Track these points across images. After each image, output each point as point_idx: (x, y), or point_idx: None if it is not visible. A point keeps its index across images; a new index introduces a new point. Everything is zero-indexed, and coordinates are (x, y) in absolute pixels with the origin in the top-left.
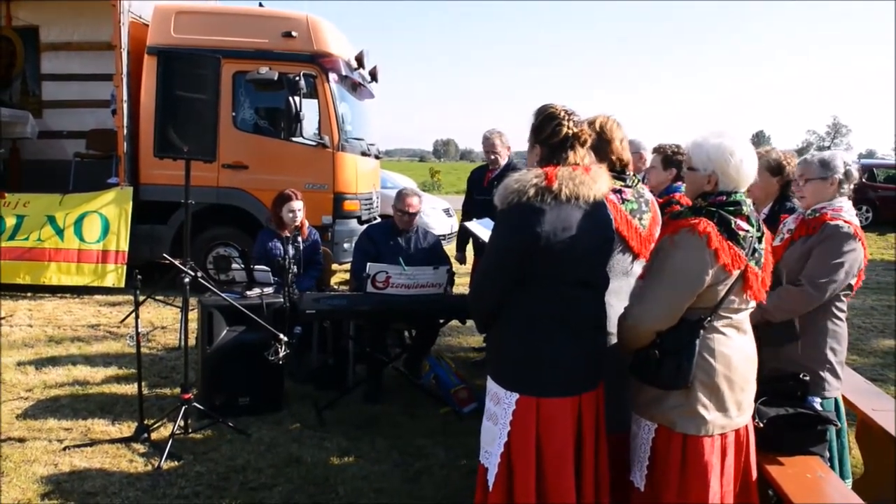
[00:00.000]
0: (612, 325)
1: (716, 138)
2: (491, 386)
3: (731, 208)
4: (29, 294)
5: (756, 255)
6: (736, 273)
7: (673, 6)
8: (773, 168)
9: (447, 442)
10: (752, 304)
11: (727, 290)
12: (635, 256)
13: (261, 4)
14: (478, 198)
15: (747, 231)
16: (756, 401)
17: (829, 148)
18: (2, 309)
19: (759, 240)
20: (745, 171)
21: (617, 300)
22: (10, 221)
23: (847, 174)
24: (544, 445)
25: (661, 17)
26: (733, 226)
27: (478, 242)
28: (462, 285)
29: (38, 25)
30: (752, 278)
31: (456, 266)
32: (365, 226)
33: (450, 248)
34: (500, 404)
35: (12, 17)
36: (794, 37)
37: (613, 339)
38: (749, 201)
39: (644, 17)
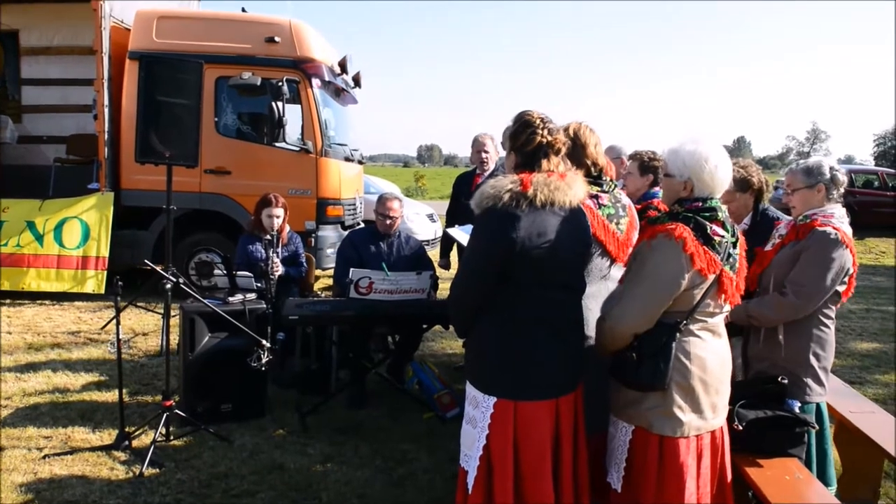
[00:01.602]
0: (591, 329)
1: (691, 145)
2: (469, 389)
3: (707, 214)
4: (7, 300)
5: (731, 259)
6: (711, 277)
7: (656, 6)
8: (741, 186)
9: (431, 447)
10: (727, 307)
11: (703, 294)
12: (613, 261)
13: (244, 9)
14: (464, 203)
15: (722, 236)
16: (735, 404)
17: (808, 154)
18: None
19: (734, 245)
20: (720, 177)
21: (595, 304)
22: None
23: (833, 179)
24: (522, 448)
25: (644, 19)
26: (709, 231)
27: (462, 248)
28: (446, 290)
29: (18, 29)
30: (727, 283)
31: (440, 271)
32: (348, 231)
33: (433, 254)
34: (479, 407)
35: None
36: (774, 40)
37: (592, 342)
38: (724, 207)
39: (630, 20)
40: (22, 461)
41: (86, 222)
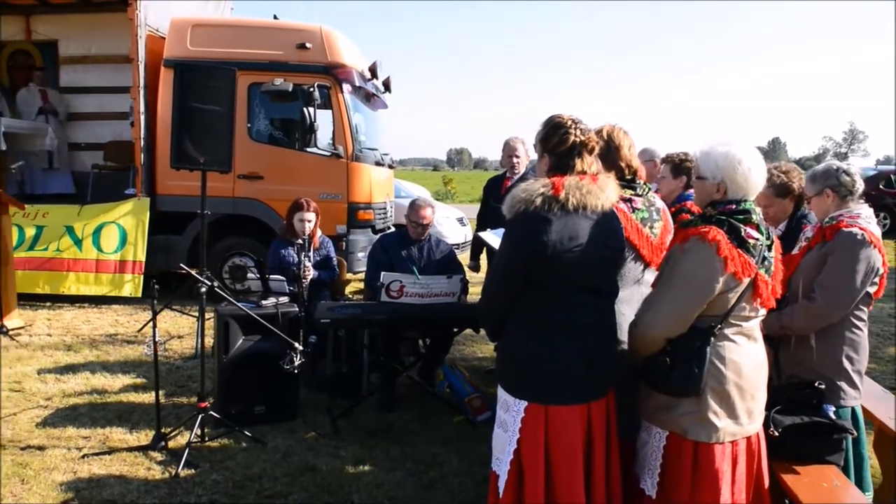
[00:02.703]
0: (623, 333)
1: (723, 147)
2: (501, 393)
3: (741, 216)
4: (48, 304)
5: (766, 263)
6: (746, 281)
7: (692, 6)
8: (780, 191)
9: (461, 450)
10: (762, 311)
11: (737, 298)
12: (646, 265)
13: (275, 17)
14: (494, 206)
15: (757, 239)
16: (771, 409)
17: (846, 155)
18: (21, 318)
19: (769, 248)
20: (754, 179)
21: (628, 308)
22: (30, 232)
23: (840, 182)
24: (553, 452)
25: (682, 18)
26: (743, 234)
27: (492, 252)
28: (476, 294)
29: (57, 39)
30: (762, 286)
31: (470, 275)
32: (379, 235)
33: (463, 257)
34: (510, 412)
35: (32, 32)
36: (810, 39)
37: (625, 347)
38: (758, 209)
39: (666, 18)
40: (62, 460)
41: (123, 227)
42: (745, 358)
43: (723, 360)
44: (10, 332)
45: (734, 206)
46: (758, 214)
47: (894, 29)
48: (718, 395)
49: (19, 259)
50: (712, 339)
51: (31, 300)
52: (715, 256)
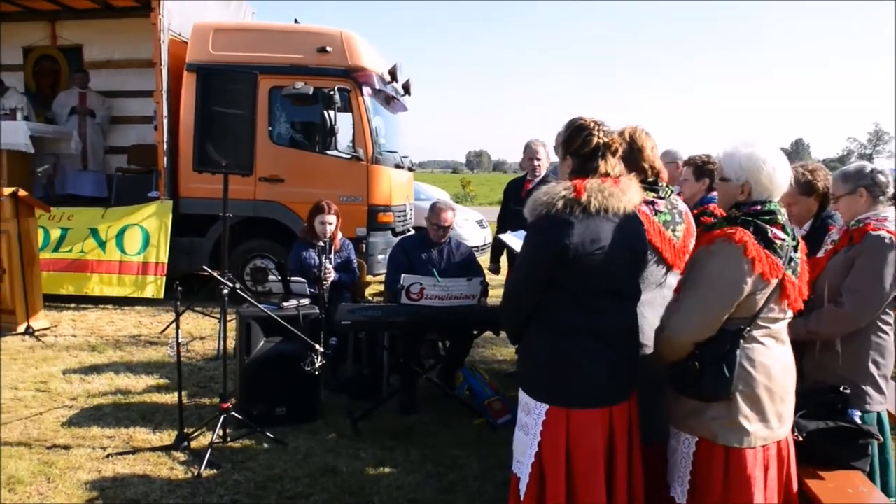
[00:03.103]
0: (646, 337)
1: (747, 148)
2: (522, 396)
3: (767, 217)
4: (73, 305)
5: (792, 263)
6: (774, 282)
7: (714, 6)
8: (804, 189)
9: (481, 453)
10: (790, 314)
11: (765, 300)
12: (669, 268)
13: (296, 20)
14: (514, 208)
15: (783, 239)
16: (795, 414)
17: (871, 156)
18: (47, 319)
19: (795, 248)
20: (778, 179)
21: (650, 311)
22: (55, 234)
23: (875, 182)
24: (575, 456)
25: (701, 19)
26: (769, 234)
27: (512, 254)
28: (496, 296)
29: (82, 44)
30: (790, 287)
31: (489, 277)
32: (399, 237)
33: (483, 259)
34: (531, 414)
35: (57, 37)
36: (833, 40)
37: (647, 351)
38: (784, 210)
39: (686, 19)
40: (87, 460)
41: (146, 229)
42: (774, 360)
43: (752, 362)
44: (37, 333)
45: (759, 207)
46: (783, 215)
47: None
48: (749, 398)
49: (45, 260)
50: (741, 341)
51: (56, 301)
52: (742, 257)
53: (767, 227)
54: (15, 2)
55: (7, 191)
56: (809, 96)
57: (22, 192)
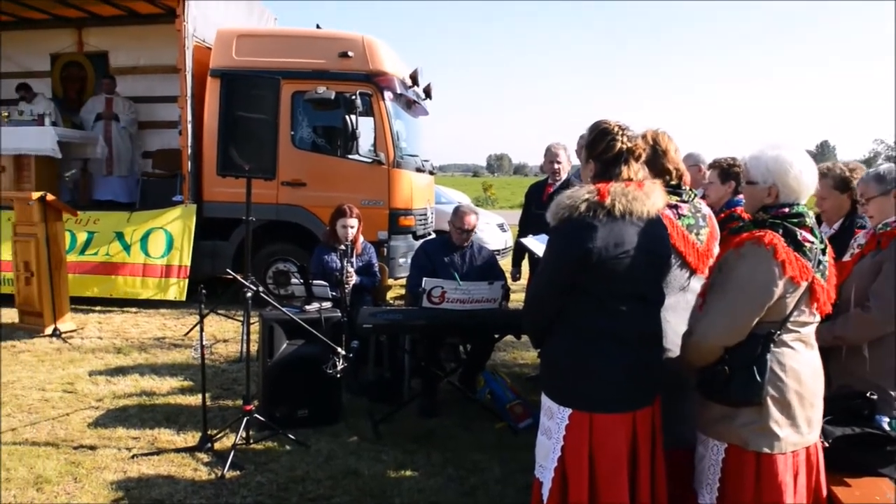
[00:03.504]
0: (669, 341)
1: (773, 150)
2: (545, 400)
3: (795, 220)
4: (98, 307)
5: (821, 267)
6: (803, 285)
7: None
8: (839, 185)
9: (502, 457)
10: (818, 317)
11: (795, 303)
12: (692, 272)
13: (318, 26)
14: (536, 212)
15: (812, 243)
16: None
17: None
18: (73, 322)
19: (823, 252)
20: (806, 181)
21: (673, 316)
22: (81, 237)
23: None
24: (598, 460)
25: (729, 20)
26: (799, 237)
27: (533, 258)
28: (517, 300)
29: (108, 51)
30: (819, 290)
31: (511, 281)
32: (420, 241)
33: (505, 263)
34: (554, 419)
35: (84, 44)
36: (858, 40)
37: (670, 355)
38: (811, 213)
39: (712, 19)
40: (112, 460)
41: (170, 233)
42: (803, 365)
43: (783, 367)
44: (63, 335)
45: (787, 210)
46: (811, 218)
47: None
48: (779, 403)
49: (71, 263)
50: (771, 345)
51: (82, 304)
52: (772, 260)
53: (796, 229)
54: (43, 9)
55: (35, 195)
56: (835, 97)
57: (50, 197)
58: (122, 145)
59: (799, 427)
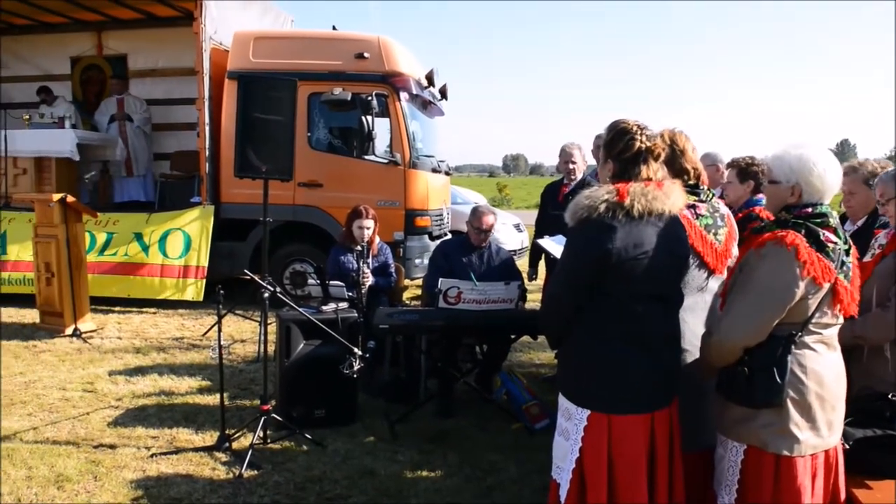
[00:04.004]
0: (687, 342)
1: (796, 150)
2: (562, 401)
3: (818, 220)
4: (118, 308)
5: (844, 268)
6: (826, 286)
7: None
8: (871, 180)
9: (519, 457)
10: (841, 319)
11: (817, 305)
12: (711, 272)
13: (334, 27)
14: (552, 213)
15: (835, 243)
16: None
17: None
18: (93, 322)
19: (847, 252)
20: (830, 180)
21: (692, 316)
22: (101, 238)
23: None
24: (616, 462)
25: (732, 24)
26: (821, 238)
27: (550, 258)
28: (534, 301)
29: (127, 53)
30: (842, 292)
31: (527, 281)
32: (436, 241)
33: (521, 264)
34: (572, 420)
35: (103, 47)
36: (882, 39)
37: (688, 356)
38: (835, 213)
39: (726, 24)
40: (132, 459)
41: (188, 234)
42: (825, 367)
43: (804, 369)
44: (84, 335)
45: (810, 210)
46: (835, 218)
47: None
48: (799, 405)
49: (91, 263)
50: (792, 346)
51: (101, 304)
52: (794, 261)
53: (819, 230)
54: (63, 13)
55: (56, 197)
56: (855, 96)
57: (70, 198)
58: (138, 145)
59: (819, 430)
